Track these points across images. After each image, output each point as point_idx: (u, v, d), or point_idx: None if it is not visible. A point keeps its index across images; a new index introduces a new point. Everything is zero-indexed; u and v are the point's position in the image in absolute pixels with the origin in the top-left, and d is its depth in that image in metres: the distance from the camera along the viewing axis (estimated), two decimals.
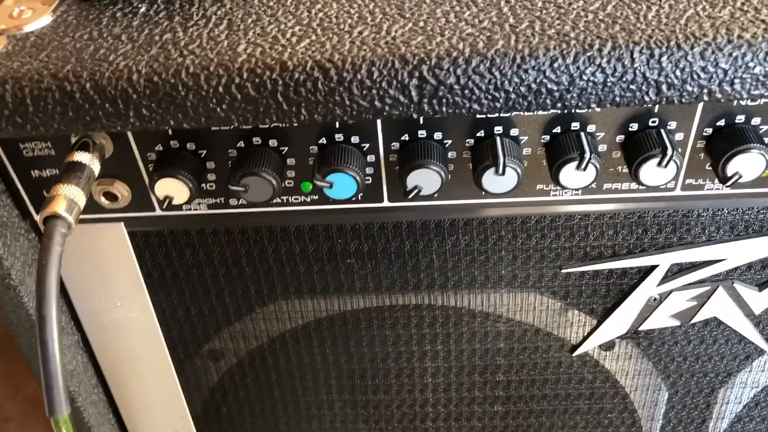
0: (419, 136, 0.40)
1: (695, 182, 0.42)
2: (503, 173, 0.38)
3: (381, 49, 0.35)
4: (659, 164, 0.38)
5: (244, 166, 0.39)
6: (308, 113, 0.36)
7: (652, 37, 0.35)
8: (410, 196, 0.39)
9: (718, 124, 0.39)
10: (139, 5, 0.41)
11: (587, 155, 0.38)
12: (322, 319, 0.51)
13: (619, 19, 0.36)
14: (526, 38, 0.35)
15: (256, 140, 0.40)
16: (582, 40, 0.35)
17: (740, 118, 0.39)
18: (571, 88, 0.35)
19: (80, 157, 0.38)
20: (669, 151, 0.37)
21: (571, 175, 0.39)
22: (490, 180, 0.39)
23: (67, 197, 0.36)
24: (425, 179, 0.39)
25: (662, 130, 0.39)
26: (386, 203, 0.43)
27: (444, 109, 0.36)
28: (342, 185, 0.39)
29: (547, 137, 0.40)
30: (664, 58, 0.34)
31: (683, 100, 0.35)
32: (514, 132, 0.40)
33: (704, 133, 0.40)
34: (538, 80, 0.35)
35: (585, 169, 0.38)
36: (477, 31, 0.36)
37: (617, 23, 0.36)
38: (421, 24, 0.37)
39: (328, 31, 0.37)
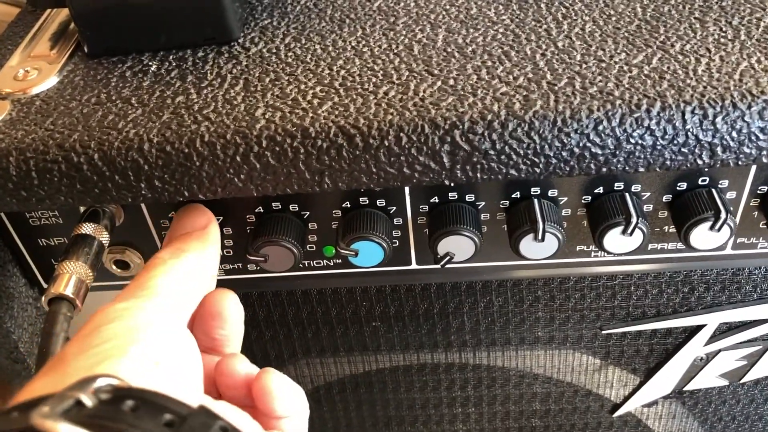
0: (450, 198, 0.37)
1: (748, 241, 0.39)
2: (543, 239, 0.35)
3: (409, 113, 0.33)
4: (712, 228, 0.35)
5: (263, 235, 0.37)
6: (332, 182, 0.33)
7: (704, 96, 0.32)
8: (442, 264, 0.37)
9: None
10: (150, 63, 0.38)
11: (634, 219, 0.35)
12: (346, 380, 0.48)
13: (666, 74, 0.33)
14: (566, 98, 0.32)
15: (276, 205, 0.38)
16: (628, 99, 0.32)
17: None
18: (617, 152, 0.32)
19: (88, 228, 0.35)
20: (723, 215, 0.35)
21: (616, 240, 0.36)
22: (528, 246, 0.36)
23: (74, 275, 0.33)
24: (457, 246, 0.36)
25: (714, 190, 0.36)
26: (414, 266, 0.40)
27: (479, 175, 0.33)
28: (368, 253, 0.36)
29: (589, 198, 0.37)
30: (718, 119, 0.31)
31: (740, 162, 0.32)
32: (552, 193, 0.37)
33: (759, 191, 0.37)
34: (581, 144, 0.32)
35: (632, 234, 0.35)
36: (512, 90, 0.33)
37: (665, 79, 0.33)
38: (451, 82, 0.34)
39: (351, 91, 0.34)
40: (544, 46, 0.36)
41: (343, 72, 0.36)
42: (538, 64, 0.35)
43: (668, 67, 0.34)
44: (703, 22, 0.37)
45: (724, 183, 0.36)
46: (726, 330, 0.44)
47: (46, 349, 0.32)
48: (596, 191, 0.37)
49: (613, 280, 0.42)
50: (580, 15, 0.38)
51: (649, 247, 0.39)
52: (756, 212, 0.37)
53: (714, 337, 0.44)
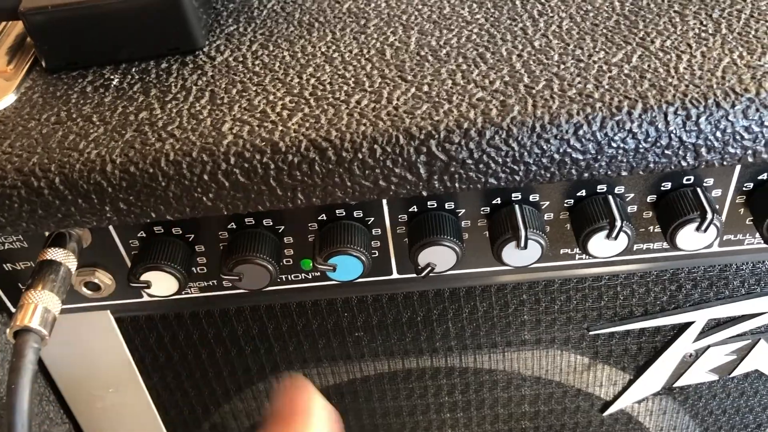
0: (429, 207, 0.36)
1: (734, 238, 0.38)
2: (525, 247, 0.34)
3: (383, 123, 0.31)
4: (698, 229, 0.34)
5: (236, 252, 0.35)
6: (305, 197, 0.32)
7: (687, 95, 0.31)
8: (423, 275, 0.35)
9: (760, 177, 0.35)
10: (112, 76, 0.37)
11: (618, 224, 0.34)
12: (331, 390, 0.47)
13: (647, 72, 0.32)
14: (544, 102, 0.31)
15: (249, 221, 0.37)
16: (608, 101, 0.31)
17: None
18: (599, 157, 0.31)
19: (54, 254, 0.34)
20: (709, 215, 0.34)
21: (601, 244, 0.35)
22: (510, 254, 0.35)
23: (40, 305, 0.32)
24: (438, 256, 0.35)
25: (699, 189, 0.35)
26: (395, 276, 0.39)
27: (457, 185, 0.32)
28: (346, 267, 0.35)
29: (572, 201, 0.36)
30: (702, 120, 0.30)
31: (725, 163, 0.31)
32: (534, 197, 0.36)
33: (744, 188, 0.36)
34: (561, 150, 0.31)
35: (616, 238, 0.34)
36: (488, 95, 0.32)
37: (645, 78, 0.32)
38: (426, 88, 0.33)
39: (322, 101, 0.33)
40: (520, 47, 0.35)
41: (313, 80, 0.34)
42: (514, 66, 0.34)
43: (649, 65, 0.32)
44: (683, 16, 0.35)
45: (710, 181, 0.35)
46: (715, 326, 0.43)
47: (15, 384, 0.30)
48: (579, 194, 0.36)
49: (598, 281, 0.41)
50: (556, 11, 0.37)
51: (635, 247, 0.38)
52: (742, 209, 0.37)
53: (703, 333, 0.43)
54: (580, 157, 0.31)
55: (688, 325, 0.43)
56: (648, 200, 0.36)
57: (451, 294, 0.42)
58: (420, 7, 0.39)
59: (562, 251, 0.38)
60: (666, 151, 0.31)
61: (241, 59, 0.37)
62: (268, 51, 0.37)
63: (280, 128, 0.32)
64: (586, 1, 0.37)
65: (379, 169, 0.31)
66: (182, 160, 0.31)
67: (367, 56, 0.36)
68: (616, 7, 0.37)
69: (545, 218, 0.37)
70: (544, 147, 0.31)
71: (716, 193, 0.36)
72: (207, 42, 0.38)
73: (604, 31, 0.35)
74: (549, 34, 0.35)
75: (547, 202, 0.36)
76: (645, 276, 0.41)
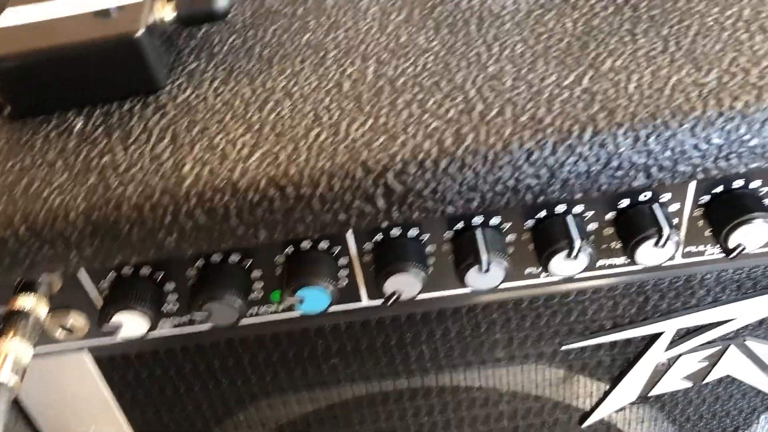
0: (393, 235, 0.37)
1: (696, 249, 0.39)
2: (488, 271, 0.35)
3: (340, 157, 0.32)
4: (656, 245, 0.35)
5: (204, 290, 0.36)
6: (268, 234, 0.33)
7: (636, 116, 0.31)
8: (390, 303, 0.36)
9: (716, 191, 0.36)
10: (76, 120, 0.37)
11: (577, 243, 0.34)
12: (310, 417, 0.48)
13: (597, 94, 0.33)
14: (497, 129, 0.32)
15: (217, 257, 0.37)
16: (559, 126, 0.31)
17: (739, 183, 0.36)
18: (552, 182, 0.32)
19: (23, 301, 0.34)
20: (666, 232, 0.34)
21: (562, 264, 0.35)
22: (474, 278, 0.35)
23: (9, 356, 0.32)
24: (404, 284, 0.36)
25: (656, 206, 0.35)
26: (365, 303, 0.40)
27: (416, 215, 0.32)
28: (314, 299, 0.36)
29: (532, 222, 0.37)
30: (651, 140, 0.31)
31: (676, 180, 0.32)
32: (495, 220, 0.36)
33: (701, 201, 0.36)
34: (515, 177, 0.32)
35: (576, 257, 0.35)
36: (443, 124, 0.33)
37: (596, 100, 0.32)
38: (382, 119, 0.34)
39: (281, 137, 0.34)
40: (474, 73, 0.35)
41: (272, 116, 0.35)
42: (468, 93, 0.34)
43: (599, 87, 0.33)
44: (633, 35, 0.36)
45: (667, 196, 0.36)
46: (685, 334, 0.44)
47: None
48: (539, 215, 0.36)
49: (566, 297, 0.42)
50: (510, 34, 0.38)
51: (599, 263, 0.39)
52: (701, 221, 0.37)
53: (673, 343, 0.44)
54: (534, 182, 0.32)
55: (658, 335, 0.43)
56: (607, 218, 0.37)
57: (423, 317, 0.42)
58: (378, 36, 0.39)
59: (527, 271, 0.39)
60: (617, 173, 0.32)
61: (202, 97, 0.37)
62: (228, 87, 0.37)
63: (240, 167, 0.32)
64: (539, 23, 0.38)
65: (339, 203, 0.32)
66: (144, 204, 0.32)
67: (325, 89, 0.36)
68: (569, 28, 0.37)
69: (508, 240, 0.37)
70: (498, 174, 0.31)
71: (674, 207, 0.36)
72: (169, 81, 0.38)
73: (557, 53, 0.36)
74: (503, 58, 0.36)
75: (509, 224, 0.37)
76: (612, 290, 0.42)
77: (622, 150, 0.31)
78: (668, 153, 0.31)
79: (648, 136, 0.31)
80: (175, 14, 0.39)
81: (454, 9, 0.40)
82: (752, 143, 0.31)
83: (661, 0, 0.38)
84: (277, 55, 0.39)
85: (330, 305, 0.36)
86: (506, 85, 0.34)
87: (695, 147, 0.31)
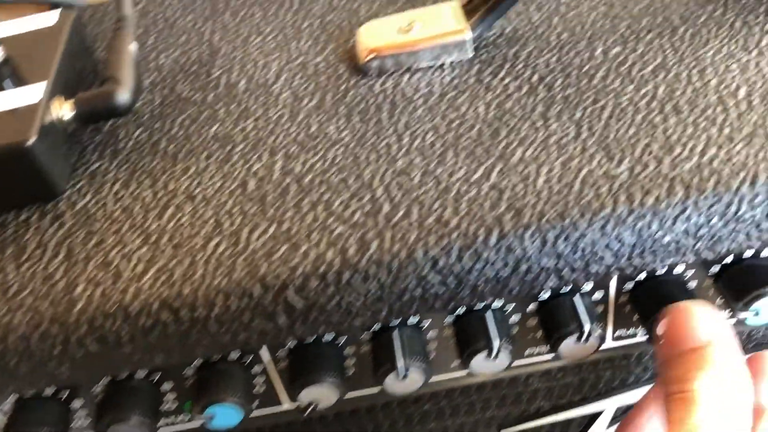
0: (307, 341, 0.35)
1: (627, 332, 0.37)
2: (405, 378, 0.33)
3: (238, 272, 0.30)
4: (578, 340, 0.33)
5: (110, 411, 0.34)
6: (165, 357, 0.31)
7: (543, 216, 0.30)
8: (306, 414, 0.34)
9: (639, 278, 0.35)
10: None
11: (496, 343, 0.33)
12: None
13: (505, 191, 0.31)
14: (402, 234, 0.30)
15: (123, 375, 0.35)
16: (464, 229, 0.30)
17: (662, 269, 0.34)
18: (460, 288, 0.30)
19: None
20: (586, 327, 0.33)
21: (483, 364, 0.34)
22: (392, 384, 0.34)
23: None
24: (320, 394, 0.34)
25: (576, 298, 0.34)
26: (286, 406, 0.38)
27: (321, 329, 0.31)
28: (224, 416, 0.34)
29: (452, 318, 0.35)
30: (559, 242, 0.30)
31: (590, 279, 0.31)
32: (413, 320, 0.35)
33: (624, 289, 0.35)
34: (421, 286, 0.30)
35: (496, 358, 0.33)
36: (348, 229, 0.31)
37: (503, 198, 0.31)
38: (285, 225, 0.32)
39: (179, 248, 0.32)
40: (383, 168, 0.34)
41: (172, 224, 0.33)
42: (375, 192, 0.33)
43: (507, 182, 0.32)
44: (546, 119, 0.35)
45: (589, 285, 0.35)
46: (625, 410, 0.42)
47: None
48: (458, 312, 0.35)
49: (499, 385, 0.40)
50: (421, 122, 0.36)
51: (527, 352, 0.37)
52: (627, 306, 0.36)
53: (615, 419, 0.42)
54: (442, 290, 0.30)
55: (598, 414, 0.42)
56: (529, 310, 0.35)
57: (351, 414, 0.40)
58: (287, 126, 0.38)
59: (452, 365, 0.37)
60: (527, 276, 0.30)
61: (102, 203, 0.35)
62: (129, 191, 0.36)
63: (133, 288, 0.31)
64: (452, 107, 0.37)
65: (237, 323, 0.30)
66: (31, 335, 0.30)
67: (229, 190, 0.34)
68: (481, 113, 0.36)
69: (430, 336, 0.36)
70: (403, 284, 0.30)
71: (598, 295, 0.35)
72: (70, 185, 0.37)
73: (467, 142, 0.34)
74: (413, 150, 0.35)
75: (428, 321, 0.35)
76: (547, 374, 0.40)
77: (530, 253, 0.30)
78: (579, 254, 0.30)
79: (556, 238, 0.29)
80: (74, 113, 0.37)
81: (367, 93, 0.39)
82: (665, 240, 0.30)
83: (576, 77, 0.37)
84: (183, 150, 0.37)
85: (243, 420, 0.34)
86: (414, 181, 0.33)
87: (607, 247, 0.30)
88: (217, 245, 0.32)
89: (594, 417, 0.42)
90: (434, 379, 0.38)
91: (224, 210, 0.33)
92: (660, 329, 0.33)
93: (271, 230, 0.32)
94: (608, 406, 0.42)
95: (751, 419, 0.29)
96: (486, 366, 0.34)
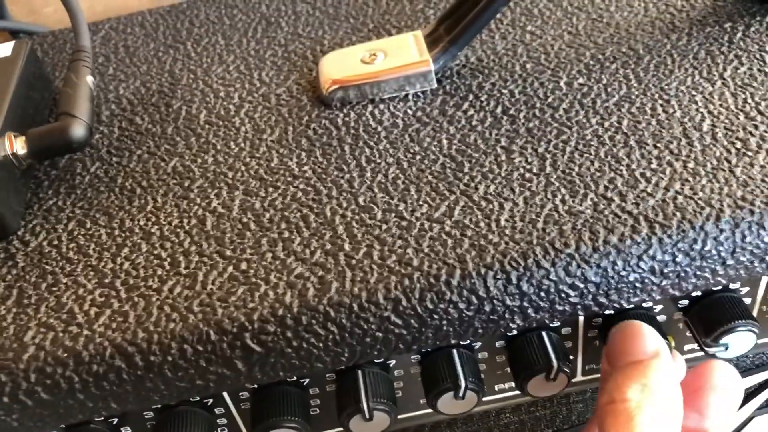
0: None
1: (597, 366, 0.37)
2: (371, 418, 0.32)
3: (194, 317, 0.29)
4: (547, 378, 0.33)
5: None
6: (119, 405, 0.30)
7: (506, 255, 0.29)
8: None
9: (608, 312, 0.34)
10: None
11: (462, 384, 0.32)
12: None
13: (468, 229, 0.31)
14: (363, 275, 0.30)
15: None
16: (426, 270, 0.29)
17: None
18: (423, 330, 0.29)
19: None
20: (554, 365, 0.32)
21: (451, 404, 0.33)
22: (357, 425, 0.33)
23: None
24: None
25: (544, 334, 0.33)
26: None
27: (282, 374, 0.30)
28: None
29: (419, 356, 0.34)
30: (523, 282, 0.29)
31: (556, 319, 0.30)
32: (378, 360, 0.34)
33: (593, 323, 0.34)
34: (383, 327, 0.29)
35: (463, 398, 0.32)
36: (307, 270, 0.30)
37: (466, 236, 0.30)
38: (243, 266, 0.31)
39: (133, 291, 0.31)
40: (345, 204, 0.33)
41: (127, 264, 0.32)
42: (336, 229, 0.32)
43: (470, 220, 0.31)
44: (509, 152, 0.34)
45: (557, 321, 0.34)
46: None
47: None
48: (424, 350, 0.34)
49: (470, 420, 0.39)
50: (384, 156, 0.35)
51: (497, 387, 0.37)
52: (597, 341, 0.35)
53: None
54: (404, 332, 0.29)
55: None
56: (497, 345, 0.35)
57: None
58: (248, 160, 0.37)
59: (421, 401, 0.36)
60: (492, 316, 0.29)
61: (55, 243, 0.34)
62: (84, 229, 0.35)
63: (85, 333, 0.29)
64: (414, 141, 0.36)
65: (193, 369, 0.29)
66: None
67: (186, 228, 0.34)
68: (444, 146, 0.35)
69: (396, 375, 0.35)
70: (365, 327, 0.29)
71: (567, 330, 0.34)
72: (23, 223, 0.36)
73: (430, 177, 0.34)
74: (375, 185, 0.34)
75: (394, 361, 0.34)
76: (518, 408, 0.39)
77: (493, 294, 0.29)
78: (543, 294, 0.29)
79: (519, 279, 0.29)
80: (26, 150, 0.36)
81: (329, 125, 0.38)
82: (631, 278, 0.29)
83: (540, 109, 0.36)
84: (140, 187, 0.37)
85: None
86: (376, 218, 0.32)
87: (571, 287, 0.29)
88: (173, 288, 0.31)
89: None
90: (402, 416, 0.37)
91: (181, 249, 0.32)
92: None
93: (229, 271, 0.31)
94: None
95: None
96: (454, 405, 0.33)
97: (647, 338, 0.30)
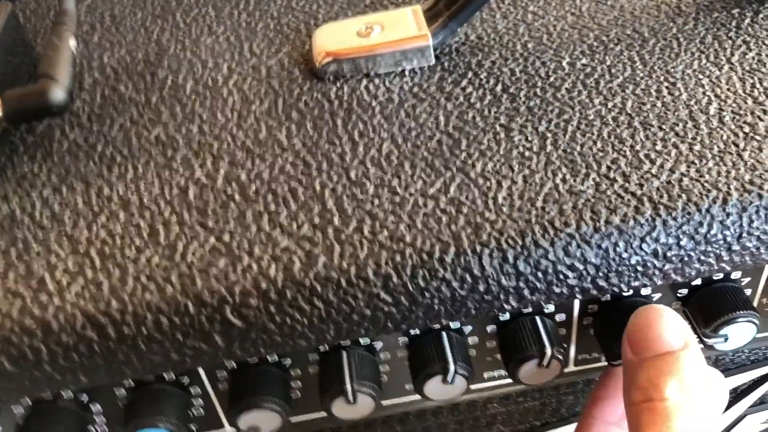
0: (249, 361, 0.32)
1: (590, 356, 0.35)
2: (354, 401, 0.31)
3: (171, 287, 0.28)
4: (540, 365, 0.31)
5: None
6: (89, 379, 0.28)
7: (503, 234, 0.28)
8: None
9: (605, 298, 0.33)
10: None
11: (451, 368, 0.31)
12: None
13: (463, 206, 0.29)
14: (352, 250, 0.28)
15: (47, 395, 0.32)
16: (419, 246, 0.28)
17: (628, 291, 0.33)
18: (413, 308, 0.28)
19: None
20: (548, 351, 0.31)
21: (438, 388, 0.32)
22: (341, 408, 0.31)
23: None
24: (262, 419, 0.31)
25: (538, 319, 0.32)
26: (228, 429, 0.35)
27: (263, 350, 0.28)
28: None
29: (407, 339, 0.33)
30: (520, 261, 0.28)
31: (552, 301, 0.29)
32: (365, 340, 0.33)
33: (589, 311, 0.33)
34: (371, 305, 0.28)
35: (452, 382, 0.31)
36: (294, 244, 0.29)
37: (462, 213, 0.29)
38: (226, 237, 0.29)
39: (109, 260, 0.29)
40: (335, 178, 0.32)
41: (103, 233, 0.31)
42: (326, 203, 0.30)
43: (467, 197, 0.30)
44: (508, 130, 0.33)
45: (550, 307, 0.33)
46: None
47: None
48: (413, 332, 0.33)
49: (456, 409, 0.38)
50: (378, 131, 0.34)
51: (486, 375, 0.35)
52: (591, 329, 0.34)
53: None
54: (393, 310, 0.28)
55: None
56: (489, 330, 0.33)
57: None
58: (235, 131, 0.35)
59: (407, 387, 0.35)
60: (486, 296, 0.28)
61: (29, 209, 0.32)
62: (60, 197, 0.33)
63: (56, 302, 0.28)
64: (410, 116, 0.35)
65: (169, 342, 0.28)
66: None
67: (168, 197, 0.32)
68: (441, 123, 0.34)
69: (382, 358, 0.33)
70: (353, 303, 0.28)
71: (560, 317, 0.33)
72: None
73: (425, 154, 0.32)
74: (367, 160, 0.32)
75: (381, 344, 0.33)
76: (506, 398, 0.38)
77: (488, 273, 0.28)
78: (540, 274, 0.28)
79: (516, 258, 0.27)
80: (1, 112, 0.34)
81: (321, 98, 0.37)
82: (632, 261, 0.28)
83: (541, 88, 0.35)
84: (121, 155, 0.35)
85: None
86: (368, 193, 0.31)
87: (570, 267, 0.28)
88: (150, 258, 0.29)
89: None
90: (387, 402, 0.35)
91: (161, 219, 0.31)
92: (627, 332, 0.31)
93: (211, 242, 0.29)
94: (570, 431, 0.40)
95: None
96: (442, 390, 0.32)
97: (675, 327, 0.28)
